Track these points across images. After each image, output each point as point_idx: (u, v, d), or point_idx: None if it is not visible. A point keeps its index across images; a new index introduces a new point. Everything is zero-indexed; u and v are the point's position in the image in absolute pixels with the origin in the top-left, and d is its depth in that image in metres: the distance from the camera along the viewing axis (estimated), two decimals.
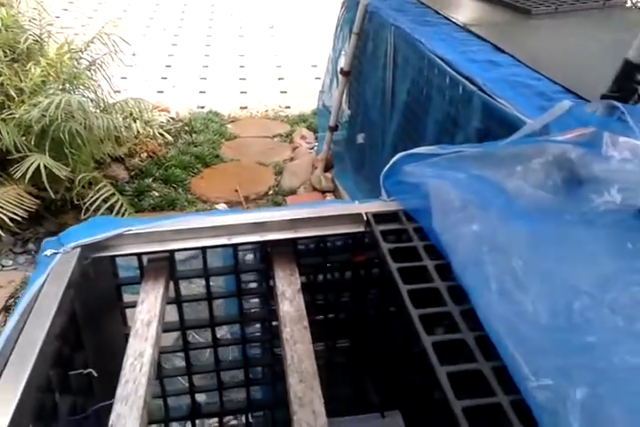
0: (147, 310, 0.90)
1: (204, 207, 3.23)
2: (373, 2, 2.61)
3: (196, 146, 3.81)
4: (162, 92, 4.87)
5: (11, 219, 2.52)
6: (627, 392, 0.60)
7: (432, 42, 1.99)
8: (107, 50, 3.26)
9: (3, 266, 2.77)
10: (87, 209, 2.71)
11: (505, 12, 2.30)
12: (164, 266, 1.00)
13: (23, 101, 2.79)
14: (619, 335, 0.68)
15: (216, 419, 1.26)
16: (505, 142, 1.03)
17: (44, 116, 2.59)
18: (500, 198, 0.93)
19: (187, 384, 1.18)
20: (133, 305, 0.95)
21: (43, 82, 2.95)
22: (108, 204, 2.74)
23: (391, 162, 1.06)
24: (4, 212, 2.51)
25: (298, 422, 0.69)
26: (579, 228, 0.88)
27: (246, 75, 5.35)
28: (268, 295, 1.09)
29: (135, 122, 3.36)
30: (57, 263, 0.89)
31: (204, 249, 1.01)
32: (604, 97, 1.02)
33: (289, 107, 4.65)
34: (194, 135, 3.94)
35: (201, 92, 4.94)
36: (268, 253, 1.05)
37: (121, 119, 3.17)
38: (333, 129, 3.21)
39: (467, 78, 1.63)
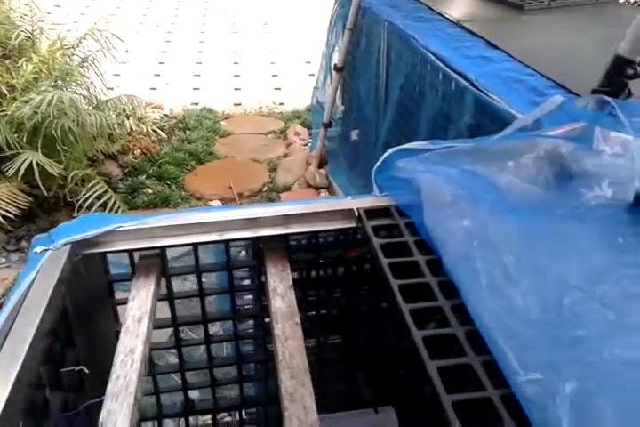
0: (138, 307, 0.89)
1: (197, 204, 3.22)
2: None
3: (189, 143, 3.79)
4: (155, 88, 4.85)
5: (3, 216, 2.51)
6: (616, 386, 0.60)
7: (425, 38, 1.99)
8: (99, 46, 3.25)
9: None
10: (80, 206, 2.70)
11: (498, 7, 2.30)
12: (156, 262, 1.00)
13: (15, 98, 2.78)
14: (609, 329, 0.69)
15: (209, 416, 1.25)
16: (496, 137, 1.03)
17: (36, 113, 2.58)
18: (492, 193, 0.93)
19: (180, 381, 1.18)
20: (125, 302, 0.94)
21: (35, 79, 2.93)
22: (101, 201, 2.74)
23: (383, 157, 1.06)
24: None
25: (289, 417, 0.69)
26: (570, 222, 0.89)
27: (240, 71, 5.33)
28: (261, 292, 1.09)
29: (128, 119, 3.34)
30: (47, 260, 0.89)
31: (195, 245, 1.00)
32: (594, 92, 1.02)
33: (283, 103, 4.64)
34: (187, 132, 3.93)
35: (195, 88, 4.92)
36: (260, 250, 1.05)
37: (114, 116, 3.15)
38: (327, 125, 3.21)
39: (459, 74, 1.63)
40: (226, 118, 4.32)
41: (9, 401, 0.67)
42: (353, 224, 1.02)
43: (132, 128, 3.33)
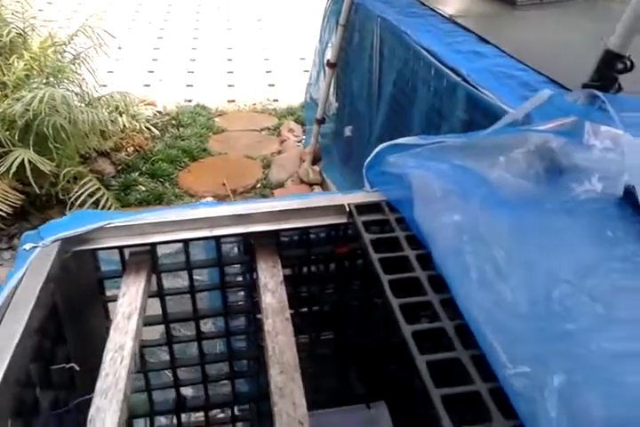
0: (128, 303, 0.89)
1: (191, 201, 3.21)
2: None
3: (183, 140, 3.78)
4: (148, 85, 4.84)
5: None
6: (603, 379, 0.60)
7: (418, 33, 1.99)
8: (91, 43, 3.23)
9: None
10: (72, 204, 2.69)
11: (490, 3, 2.30)
12: (146, 259, 0.99)
13: (6, 96, 2.76)
14: (597, 323, 0.69)
15: (202, 413, 1.25)
16: (486, 132, 1.03)
17: (28, 110, 2.57)
18: (482, 188, 0.93)
19: (172, 378, 1.17)
20: (116, 299, 0.94)
21: (26, 76, 2.92)
22: (94, 198, 2.73)
23: (374, 153, 1.06)
24: None
25: (278, 413, 0.69)
26: (560, 217, 0.89)
27: (234, 68, 5.32)
28: (252, 288, 1.09)
29: (121, 116, 3.33)
30: (36, 257, 0.89)
31: (186, 242, 1.00)
32: (585, 86, 1.02)
33: (277, 100, 4.63)
34: (181, 129, 3.92)
35: (188, 85, 4.91)
36: (251, 246, 1.04)
37: (106, 113, 3.14)
38: (320, 122, 3.21)
39: (451, 69, 1.63)
40: (219, 115, 4.31)
41: None
42: (344, 220, 1.01)
43: (124, 125, 3.32)
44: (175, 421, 1.21)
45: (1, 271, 2.68)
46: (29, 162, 2.50)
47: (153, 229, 0.98)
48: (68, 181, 2.79)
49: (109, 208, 2.74)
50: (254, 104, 4.56)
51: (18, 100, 2.61)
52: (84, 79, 3.19)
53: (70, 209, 2.69)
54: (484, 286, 0.72)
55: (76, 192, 2.70)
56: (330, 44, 3.11)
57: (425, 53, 1.82)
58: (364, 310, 1.19)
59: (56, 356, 0.95)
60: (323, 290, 1.19)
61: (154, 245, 0.99)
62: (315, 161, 3.38)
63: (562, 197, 0.93)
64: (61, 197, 2.79)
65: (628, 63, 0.97)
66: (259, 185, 3.43)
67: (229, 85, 4.94)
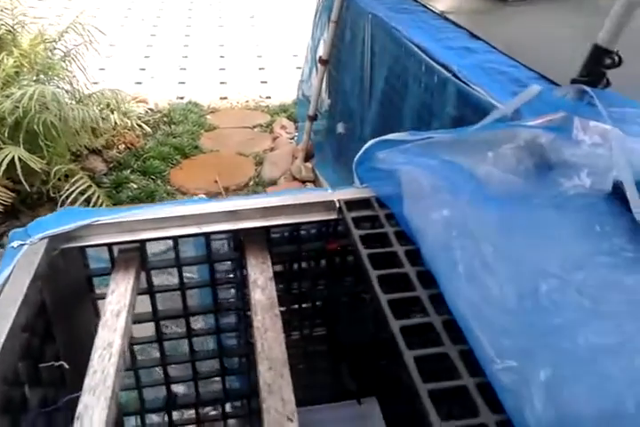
0: (116, 301, 0.89)
1: (182, 199, 3.20)
2: None
3: (174, 137, 3.77)
4: (140, 83, 4.81)
5: None
6: (590, 372, 0.61)
7: (409, 29, 1.98)
8: (82, 40, 3.21)
9: None
10: (63, 202, 2.67)
11: None
12: (135, 256, 0.99)
13: None
14: (584, 317, 0.69)
15: (194, 410, 1.25)
16: (475, 127, 1.03)
17: (18, 107, 2.55)
18: (471, 184, 0.93)
19: (169, 375, 1.17)
20: (105, 296, 0.93)
21: (16, 73, 2.89)
22: (85, 196, 2.71)
23: (363, 149, 1.06)
24: None
25: (267, 409, 0.69)
26: (548, 212, 0.89)
27: (226, 65, 5.30)
28: (243, 285, 1.08)
29: (113, 113, 3.31)
30: (23, 255, 0.88)
31: (175, 238, 1.00)
32: (574, 81, 1.02)
33: (269, 97, 4.62)
34: (173, 126, 3.90)
35: (180, 82, 4.89)
36: (240, 242, 1.04)
37: (97, 111, 3.12)
38: (313, 118, 3.20)
39: (442, 65, 1.63)
40: (212, 112, 4.30)
41: None
42: (334, 216, 1.01)
43: (116, 123, 3.30)
44: (166, 418, 1.21)
45: None
46: (20, 160, 2.48)
47: (142, 225, 0.98)
48: (59, 179, 2.77)
49: (101, 206, 2.72)
50: (247, 101, 4.54)
51: (7, 97, 2.59)
52: (74, 76, 3.17)
53: (61, 207, 2.67)
54: (472, 281, 0.72)
55: (67, 190, 2.69)
56: (322, 41, 3.11)
57: (416, 50, 1.82)
58: (355, 307, 1.19)
59: (45, 354, 0.95)
60: (314, 286, 1.19)
61: (143, 242, 0.98)
62: (307, 158, 3.38)
63: (551, 192, 0.93)
64: (52, 194, 2.77)
65: (616, 58, 0.97)
66: (251, 182, 3.42)
67: (222, 82, 4.92)
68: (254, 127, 4.09)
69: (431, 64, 1.69)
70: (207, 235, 1.00)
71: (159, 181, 3.33)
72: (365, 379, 1.22)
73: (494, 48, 1.73)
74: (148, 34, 6.03)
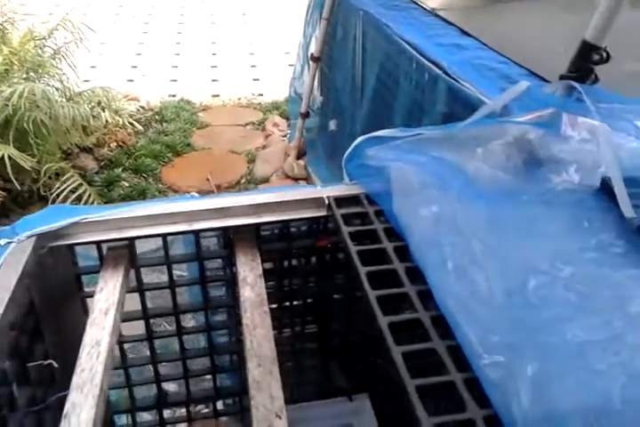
0: (105, 299, 0.88)
1: (174, 197, 3.19)
2: None
3: (166, 135, 3.75)
4: (132, 80, 4.79)
5: None
6: (577, 367, 0.61)
7: (399, 26, 1.98)
8: (72, 38, 3.19)
9: None
10: (54, 200, 2.66)
11: None
12: (124, 254, 0.99)
13: None
14: (572, 312, 0.69)
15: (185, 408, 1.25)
16: (464, 124, 1.03)
17: (7, 105, 2.53)
18: (460, 180, 0.93)
19: (159, 373, 1.17)
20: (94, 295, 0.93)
21: (5, 70, 2.87)
22: (76, 194, 2.70)
23: (353, 145, 1.06)
24: None
25: (255, 406, 0.69)
26: (537, 208, 0.89)
27: (218, 62, 5.29)
28: (233, 282, 1.08)
29: (104, 111, 3.30)
30: (10, 253, 0.87)
31: (164, 236, 0.99)
32: (562, 77, 1.02)
33: (262, 94, 4.61)
34: (164, 124, 3.89)
35: (172, 80, 4.87)
36: (230, 240, 1.04)
37: (88, 108, 3.10)
38: (305, 116, 3.20)
39: (432, 62, 1.63)
40: (204, 110, 4.28)
41: None
42: (324, 213, 1.01)
43: (107, 121, 3.29)
44: (157, 416, 1.21)
45: None
46: (9, 158, 2.47)
47: (131, 223, 0.97)
48: (50, 178, 2.75)
49: (92, 204, 2.71)
50: (239, 99, 4.53)
51: None
52: (64, 74, 3.15)
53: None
54: (461, 277, 0.72)
55: (58, 188, 2.67)
56: (313, 38, 3.10)
57: (406, 46, 1.82)
58: (346, 304, 1.19)
59: (34, 352, 0.94)
60: (305, 284, 1.19)
61: (132, 239, 0.98)
62: (299, 155, 3.37)
63: (539, 188, 0.93)
64: (43, 193, 2.76)
65: (604, 54, 0.97)
66: (243, 180, 3.41)
67: (214, 80, 4.90)
68: (246, 125, 4.09)
69: (422, 61, 1.69)
70: (196, 232, 1.00)
71: (151, 180, 3.32)
72: (357, 376, 1.22)
73: (485, 45, 1.73)
74: (139, 31, 6.01)
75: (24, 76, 2.92)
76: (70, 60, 3.20)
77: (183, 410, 1.27)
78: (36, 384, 0.93)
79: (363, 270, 0.79)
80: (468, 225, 0.82)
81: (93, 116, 3.17)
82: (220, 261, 1.13)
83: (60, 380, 0.99)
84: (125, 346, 1.12)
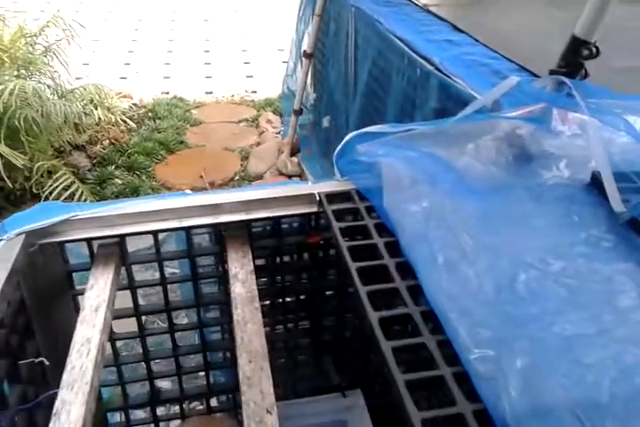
0: (95, 296, 0.88)
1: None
2: None
3: (159, 132, 3.74)
4: (125, 78, 4.77)
5: None
6: (566, 361, 0.61)
7: (391, 22, 1.98)
8: (63, 35, 3.17)
9: None
10: (47, 198, 2.65)
11: None
12: (115, 251, 0.98)
13: None
14: (562, 306, 0.69)
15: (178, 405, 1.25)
16: (455, 119, 1.03)
17: None
18: (451, 175, 0.93)
19: (152, 370, 1.17)
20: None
21: None
22: (69, 192, 2.69)
23: (344, 141, 1.05)
24: None
25: (246, 402, 0.69)
26: (527, 203, 0.89)
27: (212, 59, 5.27)
28: (225, 279, 1.08)
29: (96, 109, 3.28)
30: None
31: (155, 233, 0.99)
32: (552, 72, 1.02)
33: (255, 91, 4.60)
34: (157, 121, 3.87)
35: (165, 77, 4.85)
36: (222, 236, 1.04)
37: (80, 106, 3.09)
38: (298, 113, 3.19)
39: (424, 58, 1.63)
40: (197, 107, 4.27)
41: None
42: (315, 209, 1.01)
43: (100, 118, 3.27)
44: (151, 414, 1.20)
45: None
46: (1, 156, 2.45)
47: (122, 220, 0.97)
48: (42, 175, 2.74)
49: (85, 202, 2.70)
50: (232, 96, 4.52)
51: None
52: (56, 71, 3.14)
53: None
54: (450, 272, 0.72)
55: (50, 186, 2.66)
56: (306, 35, 3.10)
57: (398, 43, 1.82)
58: (338, 300, 1.19)
59: (25, 351, 0.94)
60: (297, 280, 1.19)
61: (122, 236, 0.98)
62: (293, 152, 3.37)
63: (530, 183, 0.94)
64: (36, 191, 2.74)
65: (594, 49, 0.97)
66: (237, 177, 3.41)
67: (207, 77, 4.89)
68: (240, 122, 4.08)
69: (413, 57, 1.69)
70: (187, 229, 1.00)
71: (144, 177, 3.31)
72: (350, 372, 1.22)
73: (477, 40, 1.73)
74: (132, 28, 5.98)
75: (15, 73, 2.90)
76: (62, 57, 3.18)
77: (177, 407, 1.26)
78: (27, 382, 0.93)
79: (353, 266, 0.79)
80: (459, 220, 0.82)
81: (86, 114, 3.16)
82: (212, 257, 1.13)
83: (52, 378, 0.99)
84: (119, 344, 1.12)
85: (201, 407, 1.41)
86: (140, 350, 1.14)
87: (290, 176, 3.32)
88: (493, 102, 1.07)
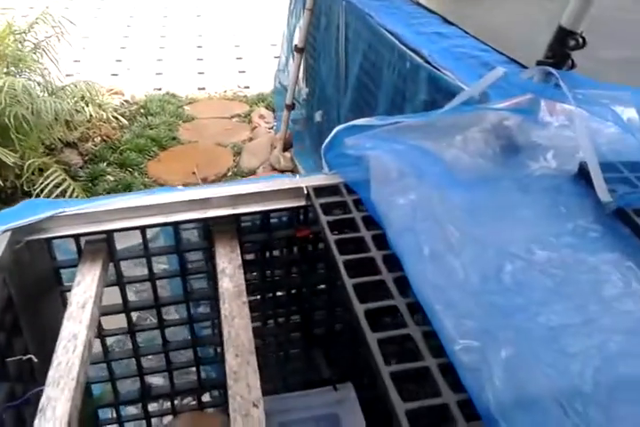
0: (82, 292, 0.87)
1: None
2: None
3: (151, 128, 3.73)
4: (117, 74, 4.75)
5: None
6: (550, 350, 0.61)
7: (382, 15, 1.97)
8: (53, 32, 3.15)
9: None
10: (38, 196, 2.64)
11: None
12: (102, 247, 0.98)
13: None
14: (547, 297, 0.69)
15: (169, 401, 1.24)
16: (442, 111, 1.03)
17: None
18: (438, 167, 0.93)
19: (143, 366, 1.16)
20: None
21: None
22: (60, 189, 2.67)
23: (331, 135, 1.05)
24: None
25: (232, 396, 0.69)
26: (514, 194, 0.89)
27: (204, 55, 5.25)
28: (213, 274, 1.08)
29: (87, 106, 3.26)
30: None
31: (143, 228, 0.98)
32: (539, 63, 1.02)
33: (248, 87, 4.58)
34: (149, 118, 3.86)
35: (157, 73, 4.83)
36: (210, 231, 1.03)
37: (71, 103, 3.07)
38: (290, 107, 3.18)
39: (413, 51, 1.62)
40: (189, 103, 4.26)
41: None
42: (303, 203, 1.01)
43: (91, 115, 3.25)
44: (142, 410, 1.20)
45: None
46: None
47: (109, 216, 0.96)
48: (34, 173, 2.73)
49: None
50: (225, 91, 4.51)
51: None
52: (46, 68, 3.12)
53: None
54: (436, 263, 0.72)
55: (42, 183, 2.65)
56: (297, 29, 3.08)
57: (388, 36, 1.81)
58: (328, 293, 1.19)
59: (13, 348, 0.94)
60: (287, 274, 1.18)
61: (110, 232, 0.97)
62: (286, 147, 3.36)
63: (518, 174, 0.93)
64: (27, 189, 2.73)
65: (580, 40, 0.97)
66: (230, 173, 3.40)
67: (199, 73, 4.87)
68: (233, 117, 4.07)
69: (403, 50, 1.69)
70: (175, 224, 0.99)
71: (136, 174, 3.30)
72: (341, 365, 1.22)
73: (466, 33, 1.73)
74: (123, 25, 5.95)
75: (4, 70, 2.88)
76: (52, 54, 3.16)
77: (168, 403, 1.26)
78: (15, 379, 0.92)
79: (340, 259, 0.79)
80: (445, 212, 0.82)
81: (77, 111, 3.14)
82: (201, 253, 1.13)
83: (40, 375, 0.98)
84: (111, 340, 1.12)
85: (193, 403, 1.41)
86: (131, 347, 1.14)
87: (283, 171, 3.31)
88: (481, 94, 1.06)
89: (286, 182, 1.02)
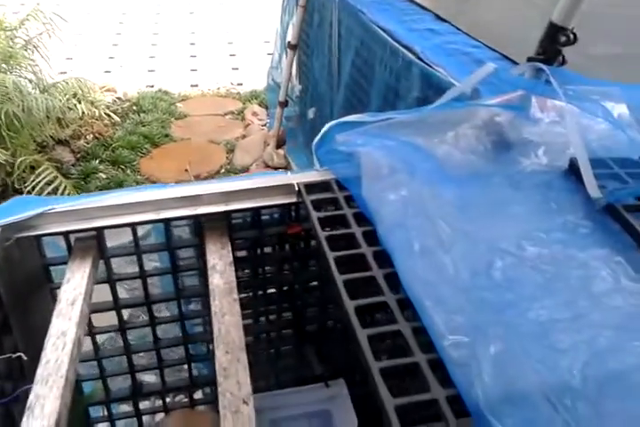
0: (72, 289, 0.87)
1: None
2: None
3: (144, 126, 3.71)
4: (109, 71, 4.72)
5: None
6: (540, 346, 0.61)
7: (374, 12, 1.97)
8: (44, 28, 3.13)
9: None
10: (29, 193, 2.62)
11: None
12: (93, 244, 0.97)
13: None
14: (537, 292, 0.70)
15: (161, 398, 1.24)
16: (433, 106, 1.02)
17: None
18: (429, 163, 0.93)
19: (134, 364, 1.16)
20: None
21: None
22: (52, 187, 2.66)
23: (323, 131, 1.05)
24: None
25: (222, 392, 0.68)
26: (505, 190, 0.89)
27: (197, 52, 5.23)
28: (204, 271, 1.07)
29: (79, 103, 3.24)
30: None
31: (133, 225, 0.98)
32: (530, 59, 1.02)
33: (241, 84, 4.57)
34: (142, 115, 3.84)
35: (150, 70, 4.81)
36: (201, 228, 1.03)
37: (63, 100, 3.05)
38: (283, 104, 3.18)
39: (406, 47, 1.62)
40: (182, 100, 4.24)
41: None
42: (294, 199, 1.00)
43: (83, 112, 3.23)
44: (134, 407, 1.20)
45: None
46: None
47: (99, 213, 0.96)
48: (25, 171, 2.71)
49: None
50: (218, 88, 4.49)
51: None
52: (37, 65, 3.09)
53: None
54: (427, 259, 0.72)
55: (33, 181, 2.63)
56: (290, 26, 3.08)
57: (381, 32, 1.81)
58: (320, 290, 1.19)
59: (2, 346, 0.93)
60: (279, 271, 1.18)
61: (100, 229, 0.96)
62: (279, 145, 3.36)
63: (508, 170, 0.94)
64: (18, 186, 2.72)
65: (571, 36, 0.97)
66: (223, 170, 3.39)
67: (192, 70, 4.85)
68: (226, 114, 4.05)
69: (395, 46, 1.69)
70: (166, 221, 0.99)
71: (129, 171, 3.29)
72: (333, 361, 1.22)
73: (459, 29, 1.72)
74: (116, 21, 5.92)
75: None
76: (43, 51, 3.14)
77: (160, 400, 1.26)
78: (5, 377, 0.92)
79: (331, 255, 0.79)
80: (436, 208, 0.82)
81: (69, 108, 3.12)
82: (193, 250, 1.12)
83: (30, 372, 0.98)
84: (103, 337, 1.11)
85: (185, 400, 1.41)
86: (122, 344, 1.13)
87: (276, 168, 3.31)
88: (472, 90, 1.06)
89: (277, 179, 1.02)
